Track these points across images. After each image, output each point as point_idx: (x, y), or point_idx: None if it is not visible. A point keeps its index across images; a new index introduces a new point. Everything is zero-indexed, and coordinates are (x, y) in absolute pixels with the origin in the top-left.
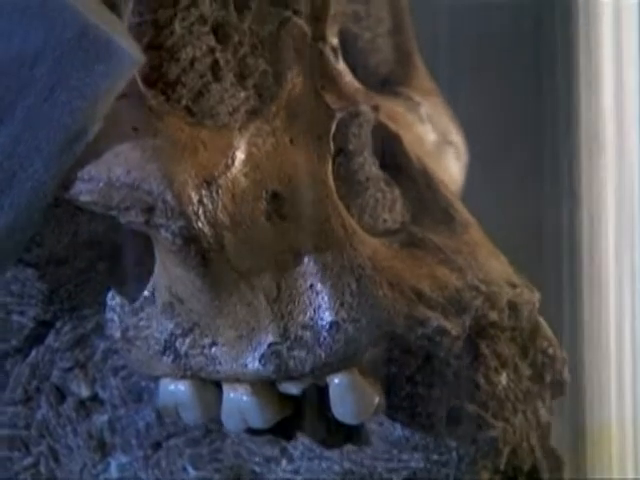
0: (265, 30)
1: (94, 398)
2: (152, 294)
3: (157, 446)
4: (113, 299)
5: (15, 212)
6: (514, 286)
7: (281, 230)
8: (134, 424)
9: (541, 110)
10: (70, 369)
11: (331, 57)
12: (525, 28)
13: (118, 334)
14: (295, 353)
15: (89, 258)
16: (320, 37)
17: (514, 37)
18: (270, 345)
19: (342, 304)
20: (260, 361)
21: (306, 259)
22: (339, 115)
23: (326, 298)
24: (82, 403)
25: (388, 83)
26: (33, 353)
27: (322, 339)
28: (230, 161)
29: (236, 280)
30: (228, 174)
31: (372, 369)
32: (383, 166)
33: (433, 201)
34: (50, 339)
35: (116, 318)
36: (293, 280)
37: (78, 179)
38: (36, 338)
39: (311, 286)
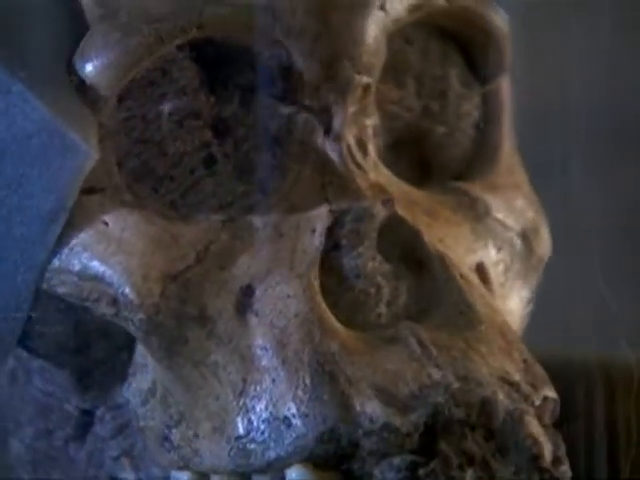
0: (273, 124)
1: None
2: (154, 385)
3: None
4: (128, 389)
5: (3, 301)
6: (510, 384)
7: (251, 324)
8: None
9: None
10: (117, 457)
11: (345, 152)
12: None
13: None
14: (256, 447)
15: (106, 348)
16: (335, 133)
17: None
18: (237, 439)
19: (294, 399)
20: (229, 454)
21: (270, 353)
22: (336, 210)
23: (282, 393)
24: None
25: (459, 178)
26: (87, 441)
27: (276, 434)
28: (203, 255)
29: (203, 373)
30: (198, 268)
31: (332, 463)
32: (403, 258)
33: (449, 296)
34: (97, 427)
35: (131, 407)
36: (258, 374)
37: (52, 270)
38: (84, 426)
39: (273, 380)
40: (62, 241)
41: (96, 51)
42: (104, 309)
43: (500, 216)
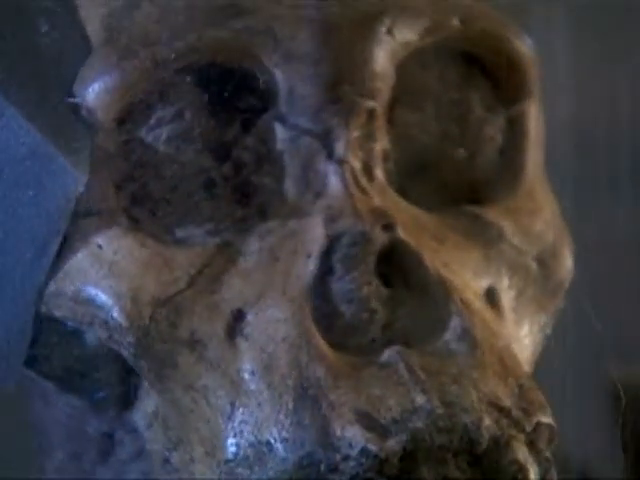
0: (275, 148)
1: None
2: (157, 408)
3: None
4: (137, 413)
5: (5, 324)
6: (500, 409)
7: (241, 348)
8: None
9: None
10: None
11: (348, 176)
12: None
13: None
14: (242, 471)
15: (115, 371)
16: (338, 157)
17: None
18: (226, 462)
19: (276, 423)
20: (220, 478)
21: (257, 377)
22: (332, 235)
23: (266, 417)
24: None
25: (478, 202)
26: (111, 464)
27: (260, 458)
28: (196, 279)
29: (194, 397)
30: (190, 292)
31: None
32: (404, 283)
33: (447, 321)
34: (118, 450)
35: (139, 431)
36: (246, 398)
37: (49, 294)
38: (107, 450)
39: (259, 405)
40: (59, 264)
41: (94, 74)
42: (98, 332)
43: (515, 241)
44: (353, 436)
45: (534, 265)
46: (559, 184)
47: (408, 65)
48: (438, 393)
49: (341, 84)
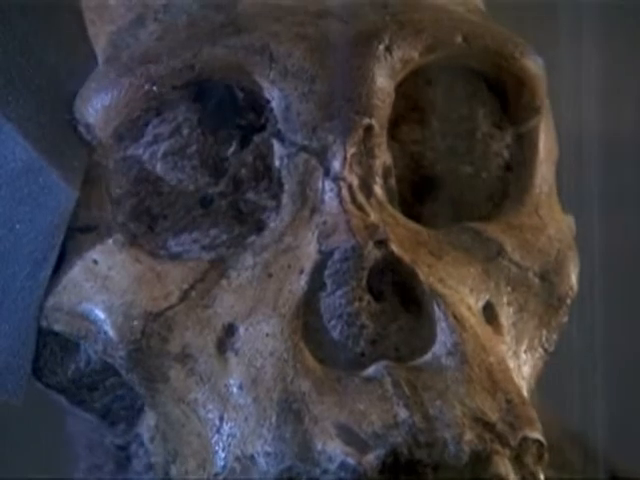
0: (272, 165)
1: None
2: (157, 422)
3: None
4: (141, 426)
5: (9, 338)
6: (484, 424)
7: (230, 362)
8: None
9: None
10: None
11: (344, 193)
12: None
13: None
14: None
15: (122, 384)
16: (334, 174)
17: None
18: (215, 475)
19: (260, 437)
20: None
21: (245, 391)
22: (325, 250)
23: (251, 431)
24: None
25: (483, 217)
26: (129, 475)
27: (245, 471)
28: (188, 294)
29: (185, 411)
30: (182, 306)
31: None
32: (398, 298)
33: (439, 336)
34: (134, 462)
35: (144, 444)
36: (234, 412)
37: (48, 308)
38: (123, 462)
39: (245, 419)
40: (57, 279)
41: (94, 91)
42: (93, 346)
43: (516, 256)
44: (333, 450)
45: (536, 280)
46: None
47: (412, 82)
48: (422, 408)
49: (336, 101)
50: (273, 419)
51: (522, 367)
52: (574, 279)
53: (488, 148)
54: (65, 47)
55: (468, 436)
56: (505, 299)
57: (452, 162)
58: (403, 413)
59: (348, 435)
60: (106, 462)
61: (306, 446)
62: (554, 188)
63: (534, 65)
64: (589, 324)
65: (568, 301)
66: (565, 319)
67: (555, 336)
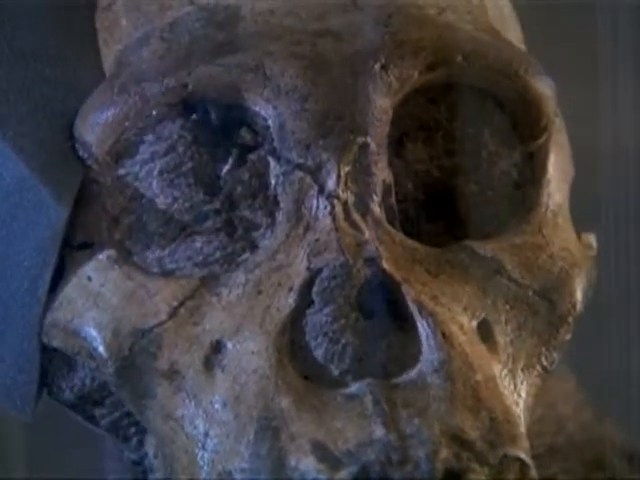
0: (266, 182)
1: None
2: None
3: None
4: (147, 442)
5: (13, 354)
6: (462, 442)
7: (216, 379)
8: None
9: None
10: None
11: (338, 210)
12: None
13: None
14: None
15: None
16: (328, 191)
17: None
18: None
19: (238, 454)
20: None
21: (228, 408)
22: (314, 268)
23: (231, 447)
24: None
25: (489, 235)
26: None
27: None
28: (177, 310)
29: (173, 427)
30: (171, 323)
31: None
32: (388, 316)
33: (426, 354)
34: (150, 477)
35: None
36: (218, 428)
37: (47, 324)
38: (140, 477)
39: (227, 435)
40: (54, 295)
41: (91, 109)
42: (88, 363)
43: (515, 274)
44: (306, 467)
45: (536, 299)
46: None
47: (417, 100)
48: (399, 426)
49: (329, 119)
50: (251, 436)
51: (518, 385)
52: (579, 297)
53: (494, 166)
54: (70, 64)
55: (443, 454)
56: (503, 317)
57: (457, 180)
58: (379, 431)
59: (322, 452)
60: (126, 476)
61: (280, 463)
62: (564, 207)
63: (541, 84)
64: None
65: (570, 319)
66: (568, 337)
67: (556, 354)
